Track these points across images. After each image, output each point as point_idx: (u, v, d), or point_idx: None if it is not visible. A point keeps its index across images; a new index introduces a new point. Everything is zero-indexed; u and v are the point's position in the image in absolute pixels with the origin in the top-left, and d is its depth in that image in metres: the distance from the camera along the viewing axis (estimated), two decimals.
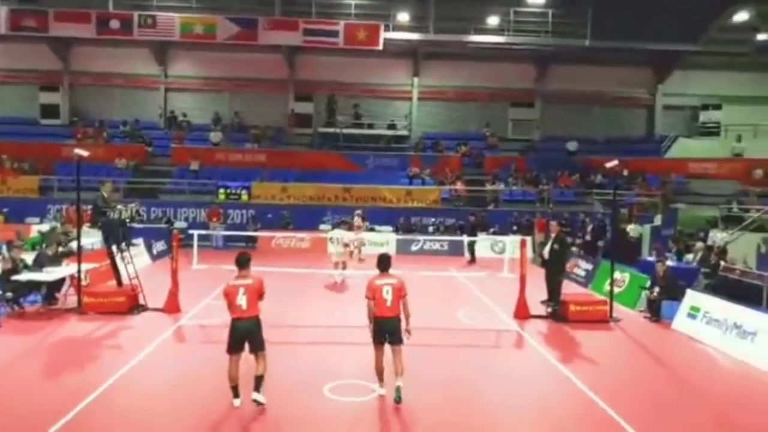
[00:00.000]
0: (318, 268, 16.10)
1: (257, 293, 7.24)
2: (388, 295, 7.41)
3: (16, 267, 11.80)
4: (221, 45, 26.05)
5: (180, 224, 22.20)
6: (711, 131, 28.49)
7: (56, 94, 28.60)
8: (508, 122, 30.09)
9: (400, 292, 7.48)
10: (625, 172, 23.47)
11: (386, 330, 7.49)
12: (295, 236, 21.51)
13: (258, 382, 7.25)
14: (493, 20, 26.74)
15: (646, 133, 30.20)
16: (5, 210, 22.29)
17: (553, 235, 13.05)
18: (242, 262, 7.37)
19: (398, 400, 7.38)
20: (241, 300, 7.12)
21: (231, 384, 7.24)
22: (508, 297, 12.80)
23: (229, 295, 7.18)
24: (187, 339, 10.63)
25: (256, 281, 7.30)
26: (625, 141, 28.47)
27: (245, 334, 7.19)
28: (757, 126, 27.22)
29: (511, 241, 16.12)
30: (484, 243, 21.67)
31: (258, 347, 7.28)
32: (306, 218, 23.13)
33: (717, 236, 17.88)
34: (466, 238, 20.57)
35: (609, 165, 13.02)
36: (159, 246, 19.58)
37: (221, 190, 24.06)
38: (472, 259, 20.50)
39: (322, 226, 23.14)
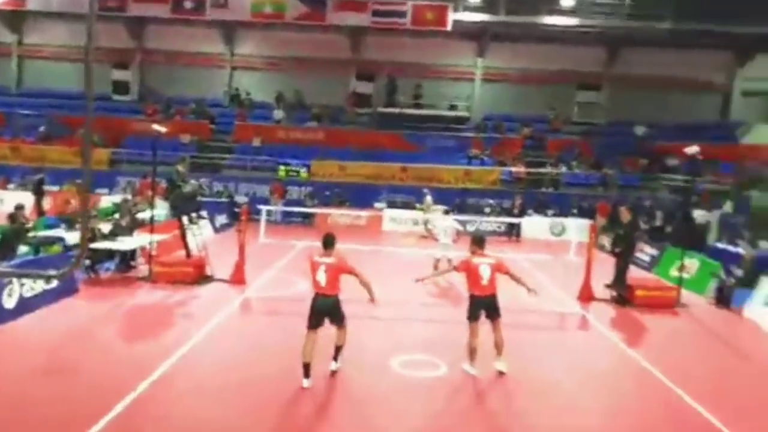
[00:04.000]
0: (375, 244, 16.24)
1: (338, 272, 7.19)
2: (485, 273, 7.57)
3: (94, 235, 12.38)
4: (285, 25, 26.35)
5: (241, 199, 22.74)
6: None
7: (127, 71, 29.61)
8: (574, 105, 29.23)
9: (498, 269, 7.67)
10: (700, 157, 22.43)
11: (482, 306, 7.65)
12: (351, 213, 21.69)
13: (337, 352, 7.58)
14: (567, 1, 25.84)
15: (721, 118, 28.75)
16: (78, 181, 23.32)
17: (624, 220, 12.73)
18: (327, 244, 7.34)
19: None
20: (321, 276, 7.16)
21: (304, 360, 7.16)
22: (572, 280, 12.55)
23: (312, 268, 7.26)
24: (254, 310, 10.96)
25: (338, 260, 7.25)
26: (698, 127, 27.18)
27: (324, 311, 7.24)
28: None
29: (578, 225, 15.76)
30: (543, 225, 21.37)
31: (338, 322, 7.39)
32: (362, 196, 23.29)
33: None
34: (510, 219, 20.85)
35: (689, 151, 12.47)
36: (221, 219, 20.16)
37: (281, 167, 24.45)
38: (516, 239, 20.59)
39: (377, 204, 23.33)
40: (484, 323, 7.74)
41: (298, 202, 23.30)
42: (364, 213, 21.75)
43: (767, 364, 9.07)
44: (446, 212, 14.57)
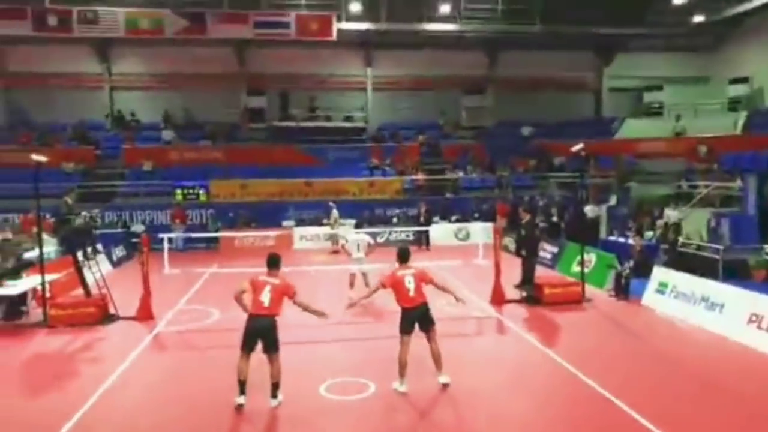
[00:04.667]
0: (288, 264, 15.93)
1: (283, 294, 7.28)
2: (410, 284, 7.63)
3: None
4: (167, 40, 25.35)
5: (138, 228, 21.49)
6: (655, 112, 29.55)
7: None
8: (462, 110, 30.42)
9: (422, 279, 7.75)
10: (583, 154, 24.13)
11: (414, 318, 7.65)
12: (258, 234, 21.14)
13: (274, 389, 7.36)
14: (444, 8, 26.87)
15: (595, 115, 31.16)
16: None
17: (523, 221, 13.39)
18: (272, 264, 7.48)
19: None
20: (265, 297, 7.15)
21: (239, 377, 7.18)
22: (482, 283, 12.99)
23: (254, 288, 7.24)
24: (168, 346, 10.36)
25: (283, 282, 7.38)
26: (576, 124, 29.25)
27: (260, 332, 7.17)
28: (697, 105, 28.41)
29: (481, 228, 16.36)
30: (448, 231, 22.01)
31: (272, 348, 7.24)
32: (268, 215, 22.77)
33: (671, 214, 18.62)
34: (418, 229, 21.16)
35: (575, 149, 13.35)
36: (118, 252, 18.95)
37: (178, 191, 23.37)
38: (426, 247, 20.80)
39: (285, 222, 22.95)
40: (419, 337, 7.79)
41: (201, 227, 22.38)
42: (272, 233, 21.28)
43: (665, 346, 9.87)
44: (357, 225, 14.60)
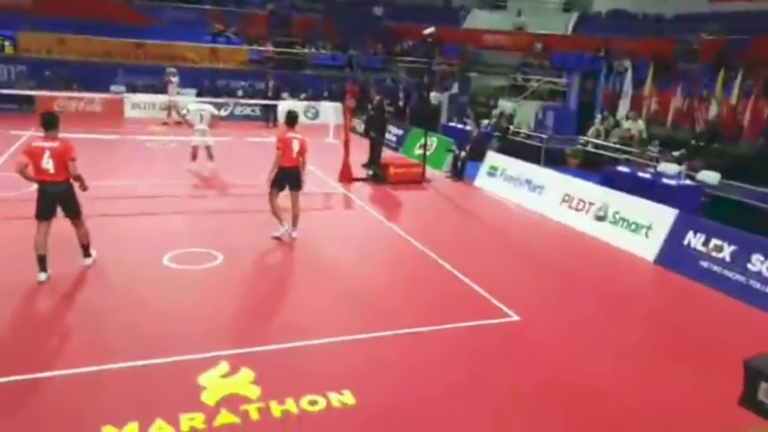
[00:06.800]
0: (118, 133, 14.71)
1: (64, 157, 6.53)
2: (295, 147, 8.31)
3: None
4: None
5: None
6: (498, 5, 30.44)
7: None
8: None
9: (303, 147, 8.38)
10: (430, 40, 24.30)
11: (289, 177, 8.38)
12: (84, 96, 18.89)
13: (85, 250, 7.16)
14: None
15: (445, 3, 31.34)
16: None
17: (373, 102, 13.53)
18: (50, 125, 6.60)
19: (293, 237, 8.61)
20: (48, 164, 6.47)
21: (38, 253, 6.59)
22: (332, 162, 13.11)
23: (33, 156, 6.48)
24: None
25: (62, 144, 6.59)
26: (426, 9, 29.27)
27: (56, 199, 6.64)
28: (537, 3, 29.69)
29: (333, 107, 16.19)
30: (297, 109, 21.41)
31: (74, 213, 6.84)
32: (93, 78, 20.35)
33: (506, 104, 19.95)
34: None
35: (426, 32, 13.49)
36: None
37: None
38: (273, 125, 19.91)
39: (113, 87, 20.73)
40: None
41: (9, 84, 19.43)
42: (98, 96, 19.10)
43: (493, 221, 11.05)
44: (198, 95, 13.67)
